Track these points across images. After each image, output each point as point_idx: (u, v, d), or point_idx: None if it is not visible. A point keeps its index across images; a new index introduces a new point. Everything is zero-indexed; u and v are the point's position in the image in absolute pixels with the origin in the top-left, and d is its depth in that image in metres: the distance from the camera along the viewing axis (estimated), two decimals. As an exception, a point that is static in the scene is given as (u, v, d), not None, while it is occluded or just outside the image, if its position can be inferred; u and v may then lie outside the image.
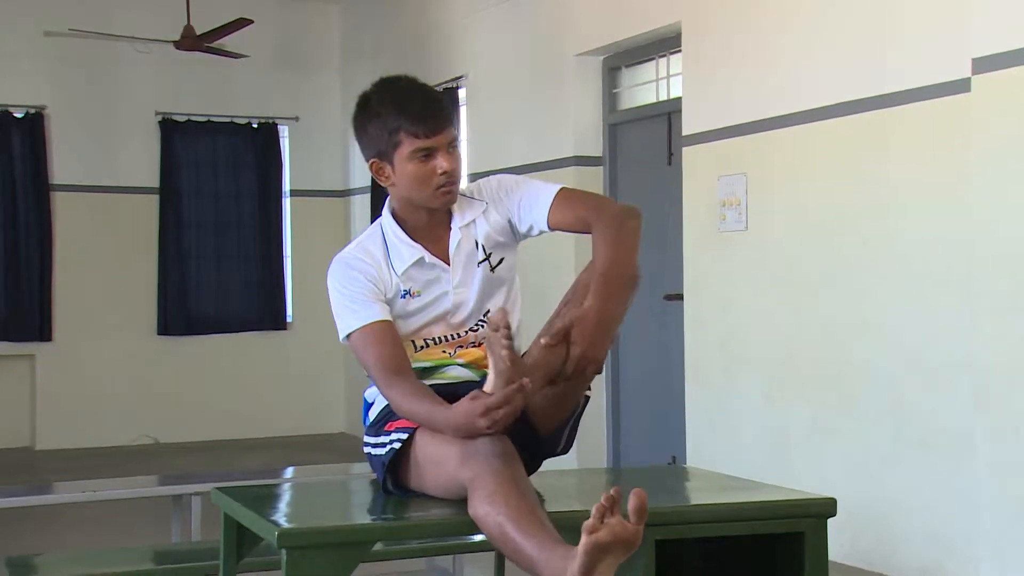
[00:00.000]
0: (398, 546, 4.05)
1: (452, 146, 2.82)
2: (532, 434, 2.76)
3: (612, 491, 2.20)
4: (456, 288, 2.84)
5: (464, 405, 2.54)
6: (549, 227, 2.85)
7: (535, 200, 2.85)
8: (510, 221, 2.88)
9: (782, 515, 2.65)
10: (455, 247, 2.85)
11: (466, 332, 2.85)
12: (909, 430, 5.25)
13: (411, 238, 2.86)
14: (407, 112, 2.78)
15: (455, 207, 2.88)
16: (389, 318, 2.76)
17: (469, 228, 2.87)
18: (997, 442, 4.52)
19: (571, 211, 2.80)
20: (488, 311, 2.85)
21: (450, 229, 2.86)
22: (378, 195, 9.65)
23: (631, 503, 2.20)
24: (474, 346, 2.84)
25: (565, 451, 2.87)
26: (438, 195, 2.82)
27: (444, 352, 2.83)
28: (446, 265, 2.85)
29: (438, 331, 2.84)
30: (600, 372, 2.66)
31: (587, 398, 2.87)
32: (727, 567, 2.81)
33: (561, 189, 2.85)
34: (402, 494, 2.75)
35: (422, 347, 2.83)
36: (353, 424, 10.30)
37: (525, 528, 2.34)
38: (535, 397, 2.64)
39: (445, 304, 2.83)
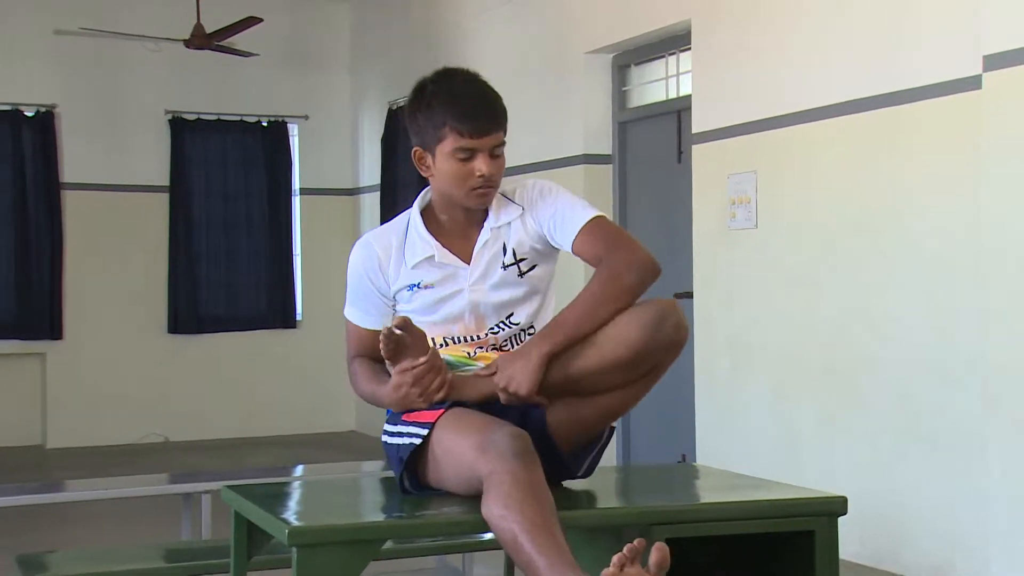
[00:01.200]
0: (408, 544, 4.05)
1: (496, 150, 2.80)
2: (555, 452, 2.74)
3: (635, 542, 2.22)
4: (472, 286, 2.82)
5: (395, 377, 2.68)
6: (573, 252, 2.82)
7: (567, 220, 2.81)
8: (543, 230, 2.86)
9: (792, 513, 2.64)
10: (480, 246, 2.84)
11: (486, 334, 2.83)
12: (919, 427, 5.24)
13: (433, 233, 2.86)
14: (456, 108, 2.76)
15: (492, 207, 2.86)
16: (376, 327, 2.83)
17: (501, 230, 2.85)
18: (1008, 439, 4.51)
19: (592, 246, 2.77)
20: (511, 314, 2.83)
21: (482, 228, 2.85)
22: (388, 194, 9.66)
23: (653, 557, 2.21)
24: (495, 349, 2.83)
25: (586, 476, 2.85)
26: (472, 196, 2.81)
27: (465, 352, 2.82)
28: (465, 264, 2.83)
29: (457, 330, 2.83)
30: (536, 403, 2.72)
31: (612, 429, 2.87)
32: (737, 566, 2.80)
33: (594, 218, 2.80)
34: (419, 492, 2.74)
35: (442, 345, 2.82)
36: (363, 422, 10.31)
37: (539, 542, 2.33)
38: (556, 415, 2.73)
39: (461, 302, 2.82)
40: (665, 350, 2.70)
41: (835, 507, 2.66)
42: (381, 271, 2.86)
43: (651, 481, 3.29)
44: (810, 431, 5.82)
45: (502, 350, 2.82)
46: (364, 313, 2.90)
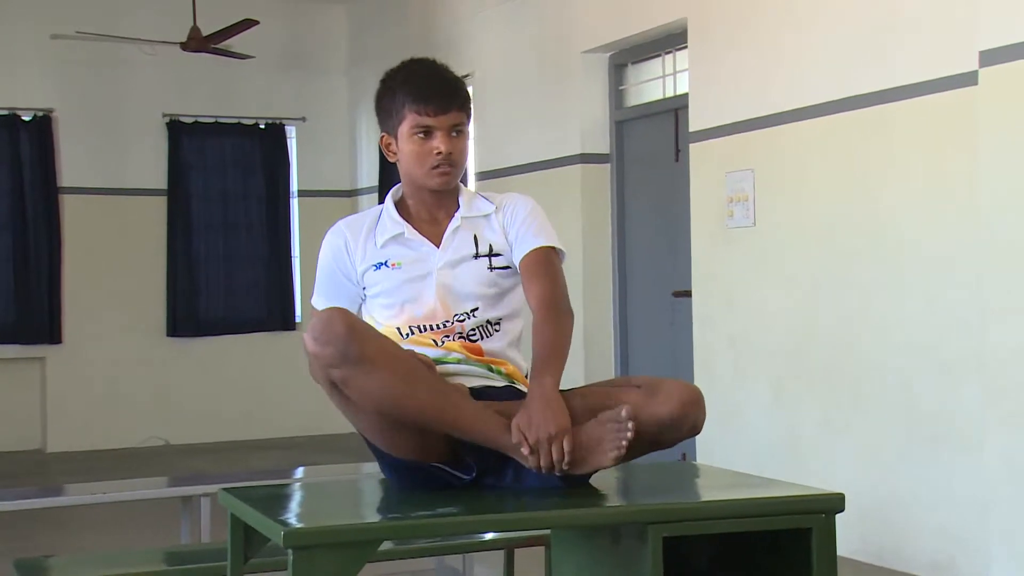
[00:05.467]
0: (407, 545, 4.04)
1: (457, 130, 2.83)
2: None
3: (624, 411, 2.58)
4: (440, 269, 2.83)
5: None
6: (518, 266, 2.86)
7: (522, 240, 2.86)
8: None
9: (789, 511, 2.63)
10: (451, 231, 2.87)
11: (451, 321, 2.81)
12: (920, 425, 5.23)
13: (404, 218, 2.89)
14: (413, 88, 2.82)
15: (464, 199, 2.90)
16: (345, 306, 2.83)
17: (475, 221, 2.88)
18: (1008, 437, 4.51)
19: (532, 276, 2.82)
20: (476, 308, 2.82)
21: (453, 216, 2.88)
22: (385, 194, 9.65)
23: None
24: (461, 337, 2.81)
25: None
26: (433, 175, 2.83)
27: (431, 340, 2.80)
28: (434, 246, 2.85)
29: (421, 315, 2.81)
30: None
31: None
32: (735, 563, 2.80)
33: (543, 247, 2.84)
34: (401, 471, 2.74)
35: (408, 334, 2.81)
36: (363, 424, 10.28)
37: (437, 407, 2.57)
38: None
39: (428, 285, 2.82)
40: (673, 442, 2.77)
41: (832, 504, 2.65)
42: (347, 252, 2.89)
43: (650, 479, 3.28)
44: (810, 429, 5.82)
45: (469, 339, 2.81)
46: (328, 300, 2.89)
